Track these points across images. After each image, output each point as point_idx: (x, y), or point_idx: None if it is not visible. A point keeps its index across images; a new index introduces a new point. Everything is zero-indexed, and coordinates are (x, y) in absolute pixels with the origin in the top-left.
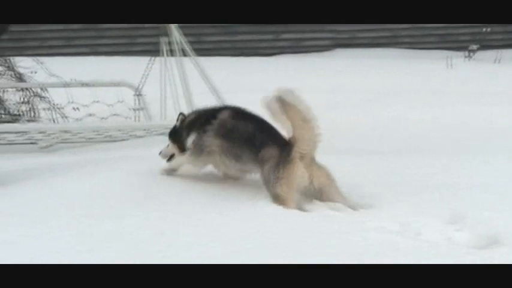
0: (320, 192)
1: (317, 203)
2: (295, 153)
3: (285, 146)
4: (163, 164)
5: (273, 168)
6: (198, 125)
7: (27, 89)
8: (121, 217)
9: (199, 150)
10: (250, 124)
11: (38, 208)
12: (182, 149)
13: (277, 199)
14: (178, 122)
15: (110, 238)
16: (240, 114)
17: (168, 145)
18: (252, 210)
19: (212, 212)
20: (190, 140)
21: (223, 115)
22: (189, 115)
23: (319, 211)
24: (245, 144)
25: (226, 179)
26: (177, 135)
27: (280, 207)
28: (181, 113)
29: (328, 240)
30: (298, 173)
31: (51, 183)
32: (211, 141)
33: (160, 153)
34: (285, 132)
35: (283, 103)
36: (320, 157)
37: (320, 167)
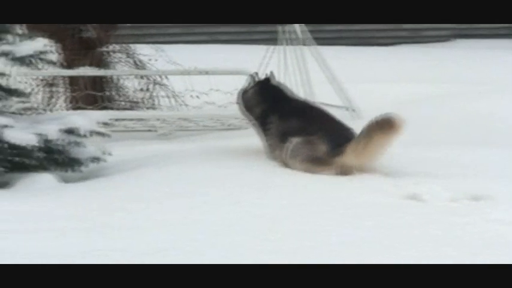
0: None
1: (434, 193)
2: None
3: None
4: None
5: None
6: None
7: (146, 76)
8: (237, 204)
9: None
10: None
11: (156, 195)
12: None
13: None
14: (250, 82)
15: (226, 226)
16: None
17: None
18: (368, 197)
19: (327, 201)
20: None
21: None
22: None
23: (437, 202)
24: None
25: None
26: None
27: (396, 199)
28: (252, 75)
29: (451, 231)
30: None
31: (169, 170)
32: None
33: None
34: None
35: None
36: (432, 147)
37: None
